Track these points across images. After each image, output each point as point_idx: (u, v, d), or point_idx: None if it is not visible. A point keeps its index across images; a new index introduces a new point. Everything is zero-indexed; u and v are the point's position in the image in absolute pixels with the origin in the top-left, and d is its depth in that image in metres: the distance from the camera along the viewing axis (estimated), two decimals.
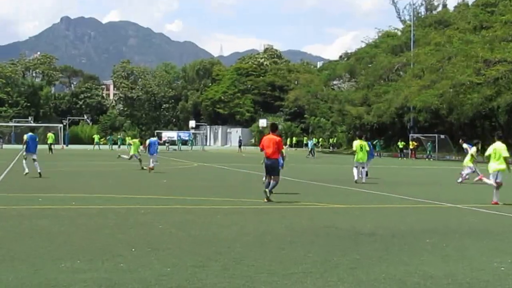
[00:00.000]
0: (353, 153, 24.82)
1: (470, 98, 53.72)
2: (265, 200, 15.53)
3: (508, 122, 59.07)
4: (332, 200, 16.63)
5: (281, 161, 18.61)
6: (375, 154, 27.69)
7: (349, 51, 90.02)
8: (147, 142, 30.26)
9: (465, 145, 28.18)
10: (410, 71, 64.58)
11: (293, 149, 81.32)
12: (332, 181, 24.07)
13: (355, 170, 23.81)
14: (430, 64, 59.59)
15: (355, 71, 78.21)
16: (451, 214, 14.46)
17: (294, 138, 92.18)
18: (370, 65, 73.54)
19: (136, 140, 33.44)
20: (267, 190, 15.76)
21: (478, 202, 16.90)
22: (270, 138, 16.25)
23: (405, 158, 57.98)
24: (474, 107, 54.23)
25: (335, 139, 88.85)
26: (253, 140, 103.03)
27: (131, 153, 31.52)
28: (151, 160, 28.71)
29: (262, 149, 16.47)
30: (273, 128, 16.76)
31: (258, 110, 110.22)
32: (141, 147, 31.88)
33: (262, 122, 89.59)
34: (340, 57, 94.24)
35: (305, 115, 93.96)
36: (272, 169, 16.00)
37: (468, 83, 53.89)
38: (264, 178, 16.30)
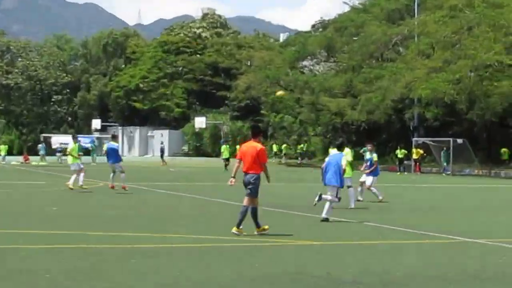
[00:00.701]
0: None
1: (499, 86, 54.30)
2: (235, 231, 16.06)
3: None
4: (301, 235, 16.75)
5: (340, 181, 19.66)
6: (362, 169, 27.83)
7: (326, 19, 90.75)
8: (104, 147, 30.43)
9: None
10: (413, 47, 65.17)
11: None
12: (300, 207, 24.14)
13: (351, 192, 24.26)
14: (443, 37, 60.30)
15: (335, 47, 78.66)
16: (470, 252, 14.76)
17: None
18: (356, 38, 74.07)
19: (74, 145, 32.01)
20: (241, 218, 16.17)
21: (509, 235, 17.22)
22: (249, 147, 16.54)
23: (406, 173, 58.55)
24: (505, 99, 54.79)
25: (306, 145, 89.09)
26: (186, 148, 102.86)
27: (70, 162, 30.99)
28: (121, 175, 30.08)
29: (240, 160, 16.80)
30: (255, 132, 17.23)
31: (193, 104, 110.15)
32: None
33: (199, 122, 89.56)
34: (313, 26, 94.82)
35: (262, 111, 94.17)
36: (248, 186, 16.27)
37: (496, 65, 54.64)
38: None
